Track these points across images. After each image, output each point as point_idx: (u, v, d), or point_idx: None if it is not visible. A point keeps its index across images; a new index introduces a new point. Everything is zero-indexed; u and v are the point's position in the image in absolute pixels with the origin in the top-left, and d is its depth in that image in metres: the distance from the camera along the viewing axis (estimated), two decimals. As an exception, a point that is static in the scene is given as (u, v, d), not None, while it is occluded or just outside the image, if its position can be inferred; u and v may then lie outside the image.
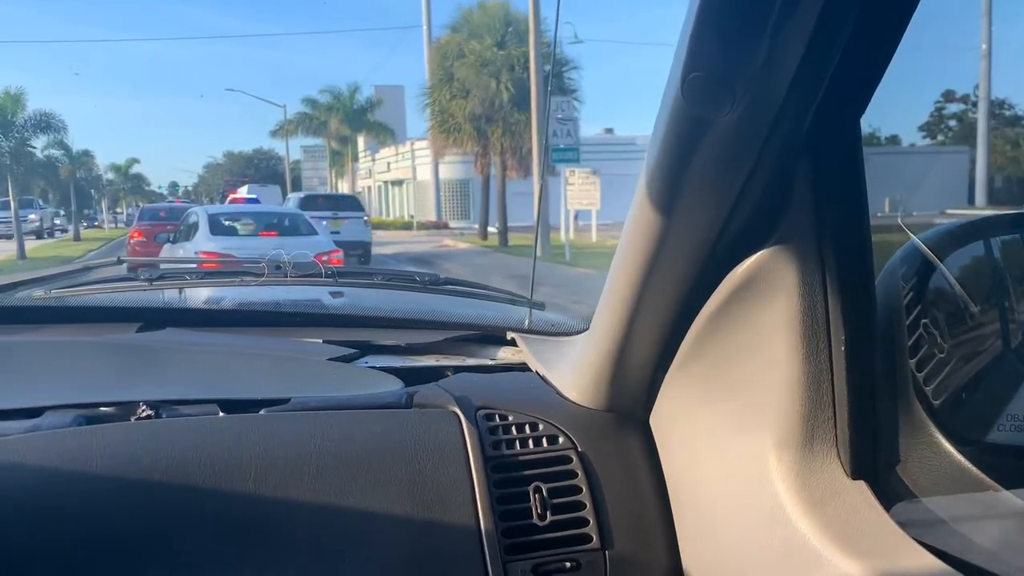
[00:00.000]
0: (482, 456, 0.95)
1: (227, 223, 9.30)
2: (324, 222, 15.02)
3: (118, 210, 58.22)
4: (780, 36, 0.66)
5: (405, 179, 38.88)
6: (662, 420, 1.00)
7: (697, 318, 0.90)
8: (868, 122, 0.81)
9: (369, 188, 49.54)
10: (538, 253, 1.52)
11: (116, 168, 58.80)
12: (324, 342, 1.23)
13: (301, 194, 20.19)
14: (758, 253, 0.81)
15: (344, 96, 39.17)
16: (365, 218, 17.76)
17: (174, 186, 61.97)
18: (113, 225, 44.37)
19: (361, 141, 43.47)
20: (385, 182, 44.63)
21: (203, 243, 8.80)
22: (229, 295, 1.48)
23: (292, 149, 52.43)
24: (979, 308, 0.97)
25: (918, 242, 0.90)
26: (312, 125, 40.94)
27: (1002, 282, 0.98)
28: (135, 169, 60.57)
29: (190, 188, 69.59)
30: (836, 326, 0.80)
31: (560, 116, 16.80)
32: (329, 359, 1.17)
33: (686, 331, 0.91)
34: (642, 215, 0.82)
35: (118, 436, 0.92)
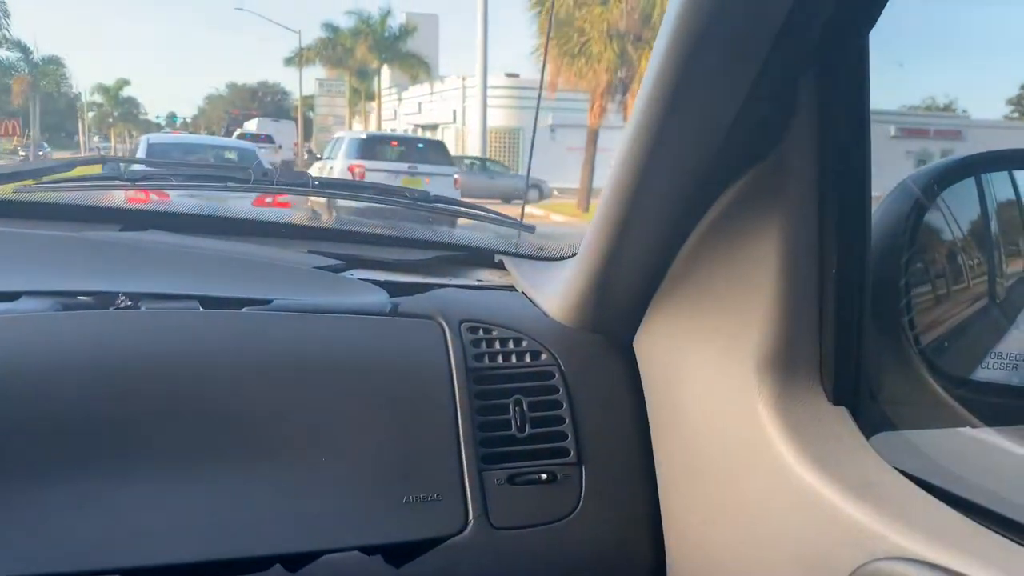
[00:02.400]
0: (464, 367, 1.04)
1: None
2: (397, 180, 11.38)
3: (101, 140, 53.83)
4: None
5: (441, 123, 35.33)
6: (647, 343, 1.07)
7: (688, 239, 0.96)
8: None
9: (394, 131, 50.36)
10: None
11: (104, 90, 54.68)
12: (309, 252, 1.32)
13: (361, 134, 15.67)
14: (755, 169, 0.86)
15: (374, 20, 36.29)
16: (455, 175, 13.84)
17: (172, 117, 62.54)
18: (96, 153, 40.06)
19: (386, 77, 39.91)
20: (415, 126, 39.11)
21: None
22: (214, 200, 1.59)
23: (305, 83, 52.48)
24: (972, 248, 1.06)
25: (913, 178, 0.98)
26: (335, 53, 38.24)
27: (990, 222, 1.07)
28: (126, 92, 56.78)
29: (188, 120, 70.61)
30: (828, 251, 0.86)
31: None
32: (314, 267, 1.26)
33: (676, 253, 0.98)
34: (639, 128, 0.86)
35: (95, 323, 0.99)
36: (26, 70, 32.13)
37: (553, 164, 21.44)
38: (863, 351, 0.90)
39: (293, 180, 1.50)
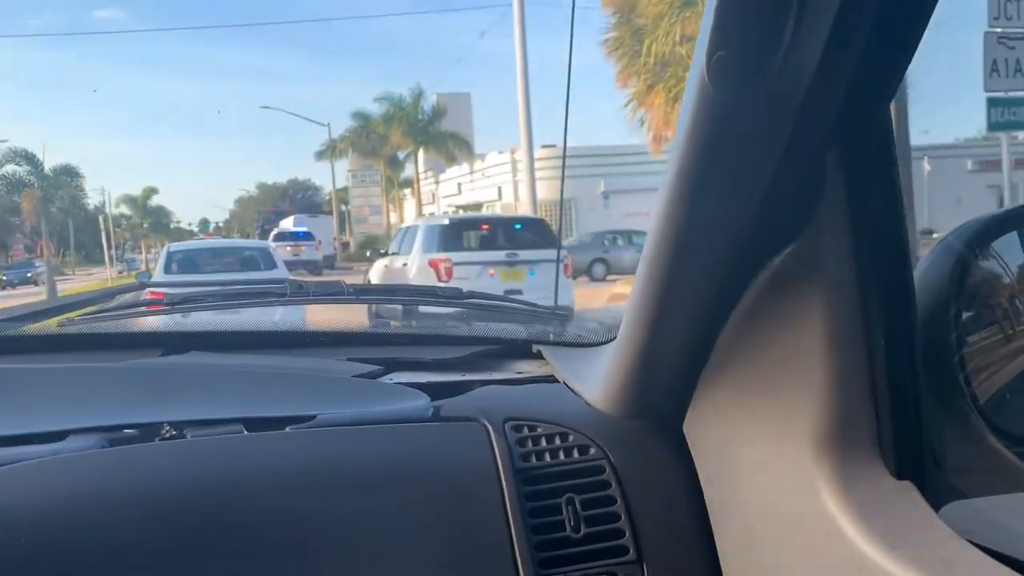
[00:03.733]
0: (512, 468, 1.07)
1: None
2: (491, 272, 10.82)
3: (128, 252, 52.51)
4: (807, 13, 0.74)
5: (485, 201, 35.21)
6: (696, 427, 1.09)
7: (729, 318, 0.99)
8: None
9: (434, 214, 50.04)
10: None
11: (131, 200, 54.87)
12: (348, 360, 1.39)
13: (442, 220, 13.02)
14: (791, 247, 0.90)
15: (407, 104, 36.90)
16: (565, 258, 12.09)
17: (205, 223, 64.93)
18: (124, 271, 38.29)
19: (421, 161, 40.13)
20: (456, 207, 38.59)
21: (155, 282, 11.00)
22: (252, 317, 1.71)
23: (335, 175, 52.65)
24: (1021, 302, 1.10)
25: (957, 233, 1.02)
26: (368, 141, 38.73)
27: None
28: (155, 201, 57.27)
29: (220, 224, 73.19)
30: (875, 321, 0.88)
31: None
32: (354, 376, 1.33)
33: (718, 333, 1.00)
34: (669, 209, 0.90)
35: (143, 457, 1.04)
36: (36, 183, 30.97)
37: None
38: (922, 419, 0.92)
39: (328, 291, 1.58)
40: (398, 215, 43.58)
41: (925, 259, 1.03)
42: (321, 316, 1.77)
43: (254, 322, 1.60)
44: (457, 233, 12.28)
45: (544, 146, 30.67)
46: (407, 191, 44.37)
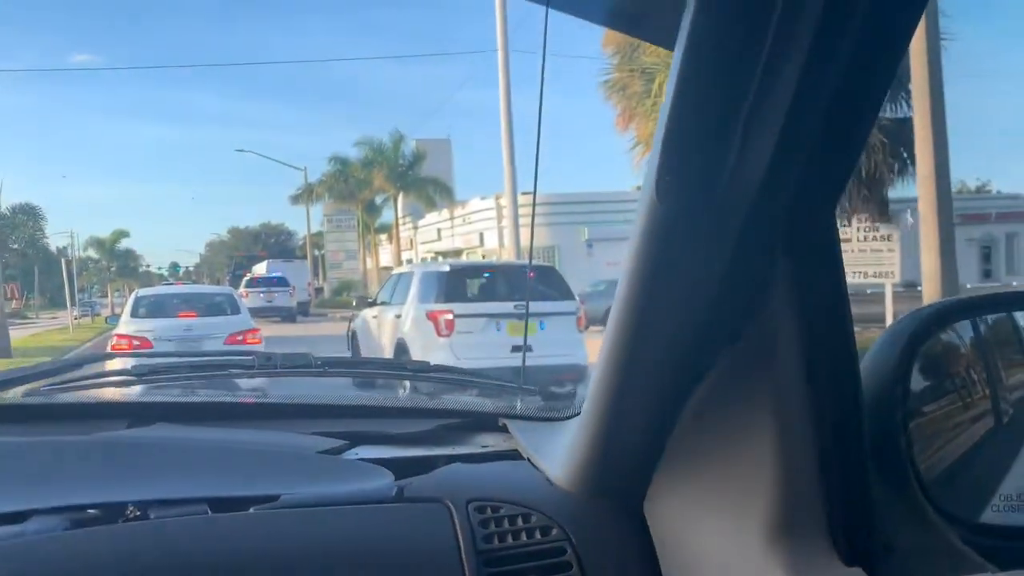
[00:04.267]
0: (474, 550, 1.11)
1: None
2: (499, 327, 9.81)
3: (91, 297, 50.88)
4: (748, 141, 0.82)
5: (466, 248, 34.81)
6: (656, 508, 1.14)
7: (686, 403, 1.04)
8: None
9: (411, 262, 49.22)
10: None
11: (99, 243, 53.55)
12: (314, 433, 1.42)
13: (441, 267, 11.57)
14: (742, 339, 0.96)
15: (387, 148, 37.29)
16: (579, 310, 10.54)
17: (175, 267, 64.41)
18: (81, 315, 36.80)
19: (400, 206, 39.90)
20: (435, 254, 38.11)
21: (122, 327, 11.93)
22: (219, 389, 1.72)
23: (310, 220, 48.33)
24: (968, 387, 1.15)
25: (905, 322, 1.10)
26: (347, 185, 38.40)
27: (990, 361, 1.17)
28: (124, 244, 55.81)
29: (191, 268, 72.92)
30: (824, 409, 0.94)
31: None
32: (319, 451, 1.36)
33: (676, 416, 1.06)
34: (629, 299, 0.97)
35: (106, 540, 1.06)
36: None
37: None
38: (872, 505, 0.97)
39: (295, 363, 1.63)
40: (374, 261, 43.09)
41: (874, 346, 1.09)
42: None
43: (221, 393, 1.64)
44: (459, 281, 10.88)
45: (524, 193, 30.75)
46: (383, 236, 43.91)
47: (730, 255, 0.91)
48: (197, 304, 13.30)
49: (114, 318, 15.51)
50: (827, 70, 0.79)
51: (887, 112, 13.35)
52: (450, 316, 10.08)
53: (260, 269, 38.48)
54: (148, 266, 64.27)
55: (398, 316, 10.85)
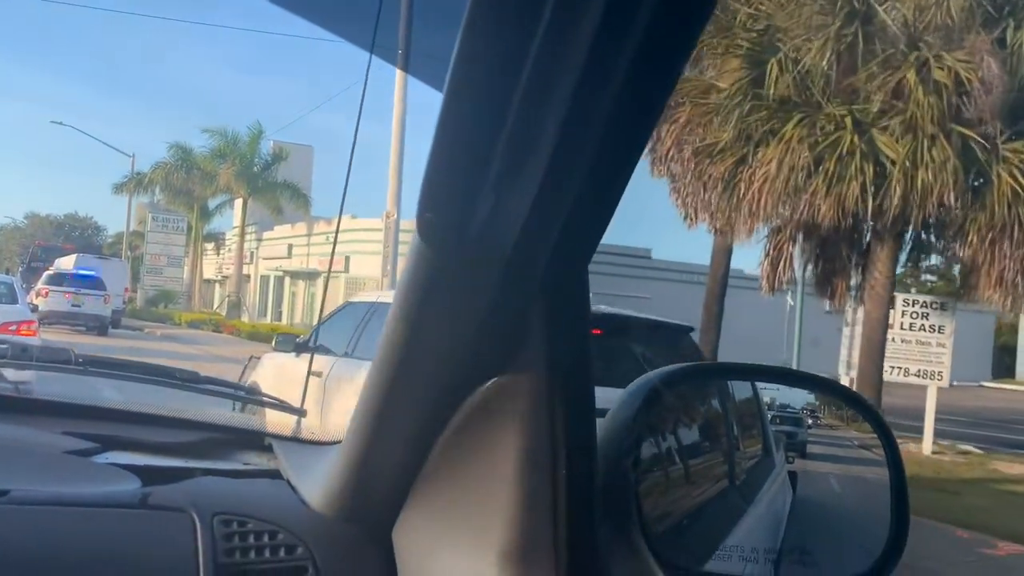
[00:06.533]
0: (213, 563, 1.16)
1: None
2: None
3: None
4: (508, 191, 0.92)
5: (323, 271, 33.16)
6: (404, 535, 1.23)
7: (439, 436, 1.15)
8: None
9: (249, 277, 41.88)
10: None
11: None
12: (63, 433, 1.44)
13: None
14: (495, 380, 1.08)
15: (242, 142, 35.45)
16: None
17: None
18: None
19: (237, 212, 37.88)
20: (283, 272, 38.10)
21: None
22: None
23: (131, 212, 44.07)
24: (704, 444, 1.39)
25: (646, 378, 1.27)
26: (188, 179, 36.07)
27: (727, 422, 1.43)
28: None
29: (-26, 254, 68.81)
30: (560, 454, 1.07)
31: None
32: (65, 451, 1.37)
33: (428, 448, 1.16)
34: (392, 332, 1.06)
35: None
36: None
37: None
38: (598, 550, 1.12)
39: (54, 358, 1.64)
40: (197, 271, 39.88)
41: (618, 398, 1.26)
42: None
43: None
44: None
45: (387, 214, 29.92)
46: (209, 245, 40.73)
47: (487, 304, 1.03)
48: None
49: None
50: (586, 133, 0.92)
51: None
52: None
53: (66, 263, 33.51)
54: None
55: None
